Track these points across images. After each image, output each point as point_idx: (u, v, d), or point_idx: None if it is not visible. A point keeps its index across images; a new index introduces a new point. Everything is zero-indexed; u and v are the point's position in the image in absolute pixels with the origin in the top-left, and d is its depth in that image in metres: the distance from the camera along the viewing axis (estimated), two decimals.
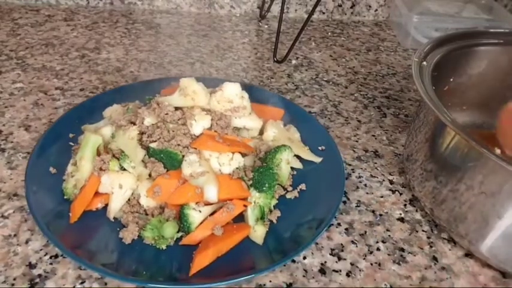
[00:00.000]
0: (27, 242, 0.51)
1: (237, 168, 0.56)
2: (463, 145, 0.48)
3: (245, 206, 0.54)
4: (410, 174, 0.60)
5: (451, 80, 0.63)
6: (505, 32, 0.66)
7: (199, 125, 0.56)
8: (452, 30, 0.64)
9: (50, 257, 0.50)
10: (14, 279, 0.47)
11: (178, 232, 0.52)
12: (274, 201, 0.56)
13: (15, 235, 0.52)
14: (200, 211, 0.52)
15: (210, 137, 0.56)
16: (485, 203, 0.47)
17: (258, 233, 0.53)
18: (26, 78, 0.80)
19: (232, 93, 0.60)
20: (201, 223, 0.52)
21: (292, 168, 0.61)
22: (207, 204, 0.53)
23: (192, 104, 0.58)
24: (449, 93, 0.63)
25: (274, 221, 0.54)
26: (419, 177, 0.57)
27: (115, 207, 0.53)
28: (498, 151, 0.53)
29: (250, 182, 0.56)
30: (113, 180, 0.53)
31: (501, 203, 0.45)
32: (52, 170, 0.57)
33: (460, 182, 0.49)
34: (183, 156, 0.55)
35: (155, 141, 0.56)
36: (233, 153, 0.56)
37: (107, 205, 0.54)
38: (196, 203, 0.52)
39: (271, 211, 0.56)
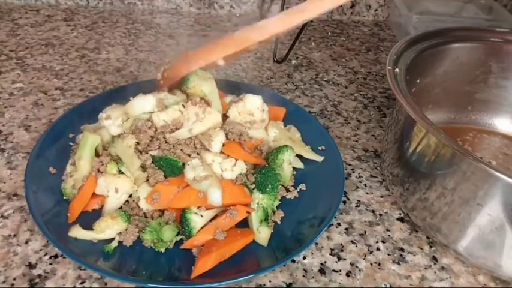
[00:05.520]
0: (27, 242, 0.51)
1: (239, 174, 0.55)
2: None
3: (248, 212, 0.53)
4: None
5: (418, 81, 0.63)
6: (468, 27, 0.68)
7: (217, 142, 0.55)
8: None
9: (50, 257, 0.50)
10: (14, 279, 0.47)
11: (178, 235, 0.51)
12: (277, 202, 0.56)
13: (15, 235, 0.52)
14: (202, 215, 0.51)
15: (241, 146, 0.56)
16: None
17: (263, 234, 0.52)
18: (26, 78, 0.80)
19: (254, 106, 0.59)
20: (202, 228, 0.52)
21: (292, 168, 0.61)
22: (209, 208, 0.53)
23: (203, 130, 0.56)
24: (416, 94, 0.63)
25: (278, 222, 0.54)
26: None
27: (109, 210, 0.53)
28: None
29: (253, 186, 0.55)
30: (109, 183, 0.53)
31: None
32: (52, 170, 0.57)
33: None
34: (183, 163, 0.54)
35: (154, 150, 0.55)
36: (236, 159, 0.55)
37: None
38: (198, 208, 0.52)
39: (274, 212, 0.55)
